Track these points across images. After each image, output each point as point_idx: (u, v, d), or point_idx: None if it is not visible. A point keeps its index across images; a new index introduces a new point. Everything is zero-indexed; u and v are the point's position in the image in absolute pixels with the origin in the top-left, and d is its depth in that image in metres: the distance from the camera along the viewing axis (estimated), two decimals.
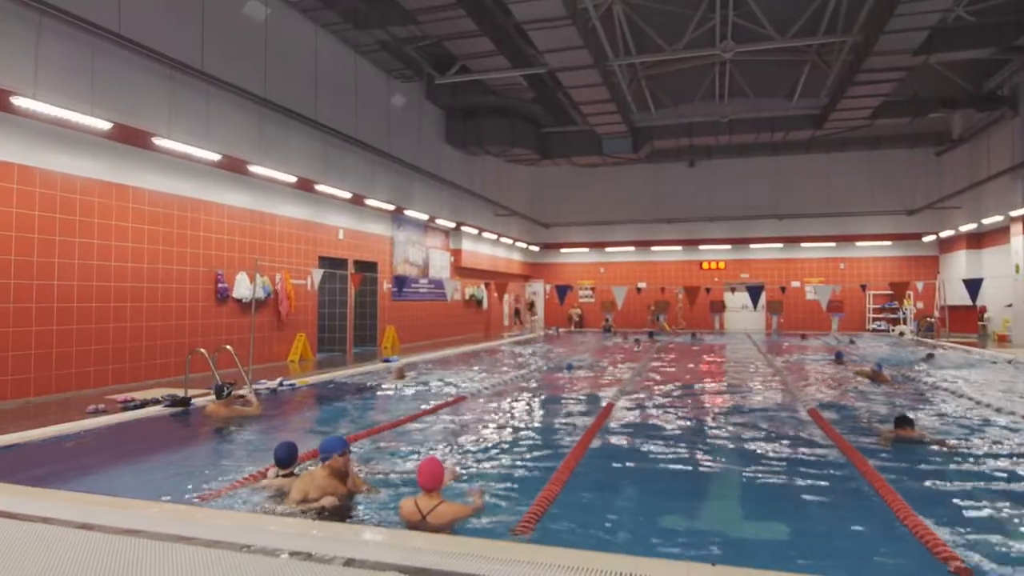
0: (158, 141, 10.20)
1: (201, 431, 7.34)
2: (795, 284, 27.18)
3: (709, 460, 6.21)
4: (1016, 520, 4.36)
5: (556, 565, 3.09)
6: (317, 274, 13.01)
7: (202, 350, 9.07)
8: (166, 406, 8.18)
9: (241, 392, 8.46)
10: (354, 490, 4.67)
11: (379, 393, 10.08)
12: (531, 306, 29.55)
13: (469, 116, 20.84)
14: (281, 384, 10.20)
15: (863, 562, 3.76)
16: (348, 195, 15.32)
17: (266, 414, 8.17)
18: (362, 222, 17.10)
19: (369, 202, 16.38)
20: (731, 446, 6.73)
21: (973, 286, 15.94)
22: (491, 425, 7.69)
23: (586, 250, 30.59)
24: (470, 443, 6.71)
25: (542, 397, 10.00)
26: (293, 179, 13.30)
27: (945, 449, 6.30)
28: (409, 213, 18.40)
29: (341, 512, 4.34)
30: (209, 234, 11.94)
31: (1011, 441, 6.70)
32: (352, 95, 15.79)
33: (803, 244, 27.80)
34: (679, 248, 29.40)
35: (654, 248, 29.67)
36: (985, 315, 21.47)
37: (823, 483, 5.36)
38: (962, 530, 4.13)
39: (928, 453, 6.20)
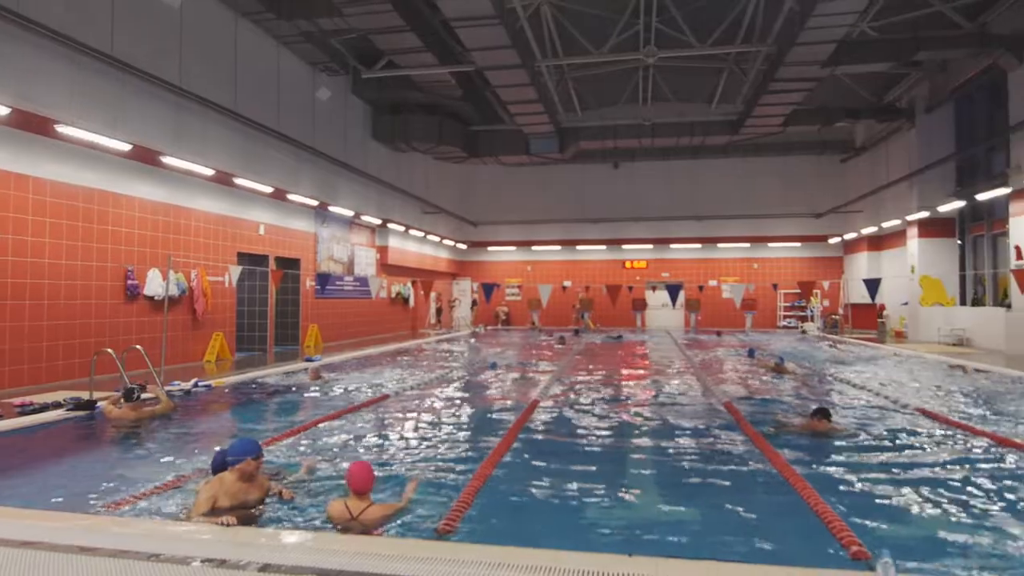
0: (61, 129, 9.61)
1: (107, 436, 6.99)
2: (712, 283, 28.25)
3: (630, 453, 6.42)
4: (911, 505, 4.68)
5: (478, 562, 3.13)
6: (235, 271, 12.59)
7: (109, 350, 8.63)
8: (68, 410, 7.74)
9: (149, 395, 8.10)
10: (271, 494, 4.57)
11: (299, 394, 9.86)
12: (454, 304, 29.34)
13: (396, 112, 20.60)
14: (196, 385, 9.82)
15: (774, 547, 3.96)
16: (270, 189, 14.88)
17: (178, 416, 7.86)
18: (284, 218, 16.65)
19: (292, 197, 15.96)
20: (651, 439, 6.97)
21: (872, 285, 17.02)
22: (415, 424, 7.66)
23: (513, 248, 30.81)
24: (394, 442, 6.67)
25: (466, 395, 10.03)
26: (211, 172, 12.82)
27: (852, 439, 6.67)
28: (334, 209, 18.04)
29: (254, 519, 4.24)
30: (119, 228, 11.35)
31: (905, 430, 7.20)
32: (275, 87, 15.34)
33: (720, 244, 28.96)
34: (603, 247, 30.02)
35: (579, 247, 30.19)
36: (884, 312, 22.93)
37: (737, 472, 5.62)
38: (863, 515, 4.39)
39: (836, 443, 6.58)
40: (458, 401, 9.43)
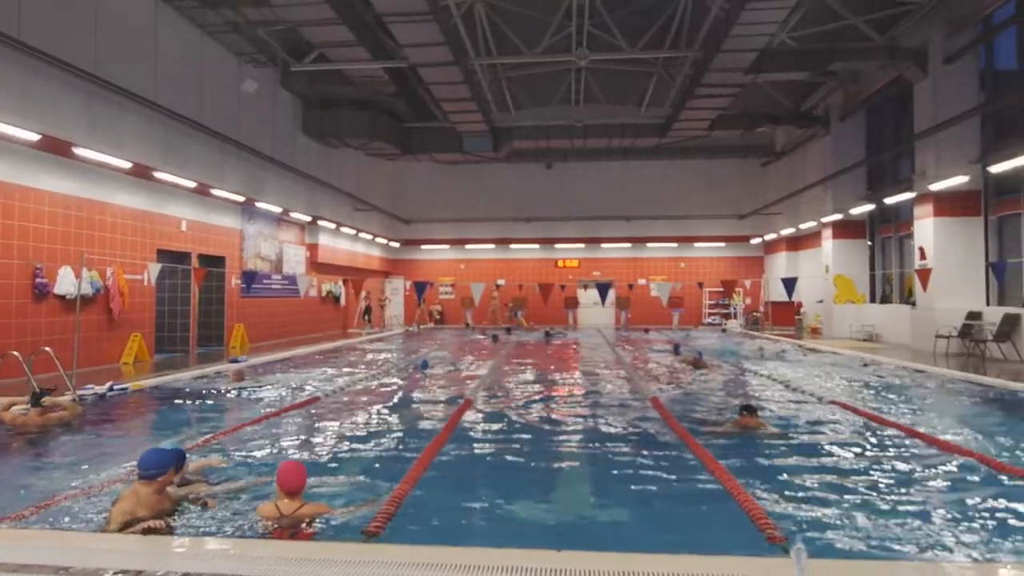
0: None
1: (11, 443, 6.58)
2: (641, 282, 28.92)
3: (561, 449, 6.52)
4: (824, 492, 4.92)
5: (404, 563, 3.12)
6: (155, 269, 12.07)
7: (15, 352, 8.13)
8: None
9: (55, 399, 7.68)
10: (194, 501, 4.42)
11: (223, 397, 9.54)
12: (385, 303, 28.85)
13: (327, 107, 20.18)
14: (111, 389, 9.36)
15: (699, 535, 4.12)
16: (192, 184, 14.31)
17: (90, 422, 7.48)
18: (208, 213, 16.05)
19: (216, 192, 15.41)
20: (581, 434, 7.10)
21: (789, 284, 17.85)
22: (346, 425, 7.55)
23: (447, 247, 30.69)
24: (324, 444, 6.56)
25: (398, 395, 9.94)
26: (128, 164, 12.22)
27: (776, 433, 6.92)
28: (261, 205, 17.52)
29: (171, 528, 4.07)
30: (26, 223, 10.69)
31: (820, 421, 7.57)
32: (198, 77, 14.75)
33: (649, 244, 29.70)
34: (537, 246, 30.29)
35: (513, 246, 30.35)
36: (801, 310, 24.02)
37: (663, 465, 5.79)
38: (782, 502, 4.62)
39: (758, 435, 6.85)
40: (390, 401, 9.33)
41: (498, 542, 3.67)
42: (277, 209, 18.33)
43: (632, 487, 5.20)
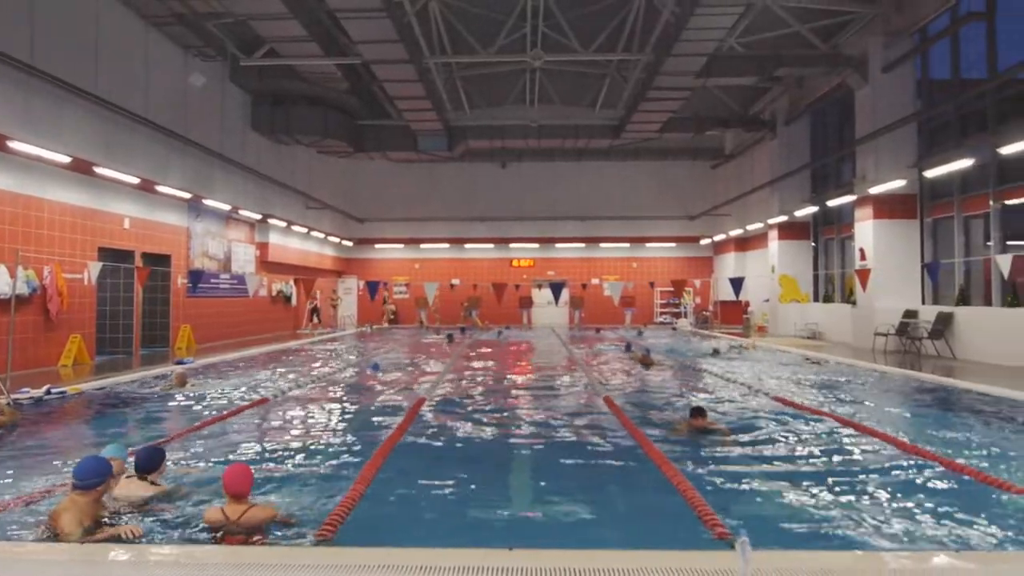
0: None
1: None
2: (595, 281, 29.25)
3: (514, 448, 6.55)
4: (768, 489, 5.07)
5: (356, 565, 3.10)
6: (95, 267, 11.64)
7: None
8: None
9: None
10: (139, 505, 4.30)
11: (167, 400, 9.27)
12: (336, 302, 28.36)
13: (278, 102, 19.78)
14: (48, 392, 9.00)
15: (649, 531, 4.20)
16: (135, 180, 13.85)
17: (27, 427, 7.19)
18: (153, 211, 15.56)
19: (161, 189, 14.94)
20: (534, 433, 7.14)
21: (736, 284, 18.31)
22: (297, 427, 7.44)
23: (401, 246, 30.45)
24: (274, 447, 6.45)
25: (350, 396, 9.84)
26: (67, 159, 11.76)
27: (725, 433, 7.04)
28: (209, 202, 17.07)
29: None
30: None
31: (763, 417, 7.79)
32: (142, 70, 14.28)
33: (602, 244, 30.07)
34: (491, 246, 30.32)
35: (467, 245, 30.32)
36: (749, 309, 24.65)
37: (615, 463, 5.90)
38: (728, 497, 4.75)
39: (709, 435, 6.97)
40: (342, 403, 9.23)
41: (451, 542, 3.68)
42: (225, 207, 17.90)
43: (585, 484, 5.27)
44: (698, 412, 7.08)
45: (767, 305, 23.08)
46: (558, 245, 30.25)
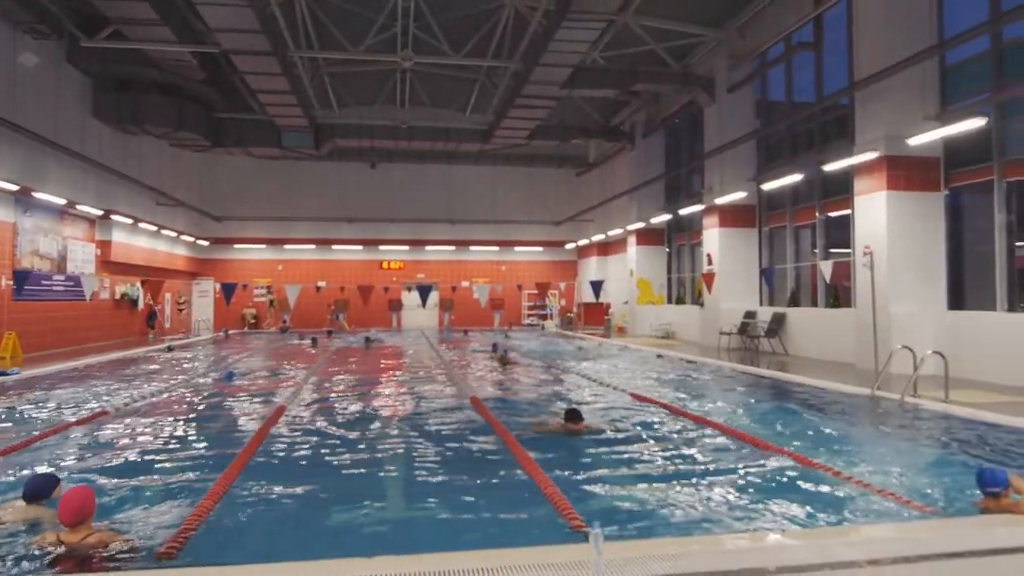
0: None
1: None
2: (465, 284, 29.48)
3: (380, 453, 6.49)
4: (623, 484, 5.40)
5: None
6: None
7: None
8: None
9: None
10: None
11: None
12: (183, 306, 26.26)
13: (125, 89, 18.28)
14: None
15: (512, 529, 4.32)
16: None
17: None
18: None
19: None
20: (401, 437, 7.12)
21: (596, 286, 19.23)
22: (139, 441, 6.91)
23: (263, 246, 29.08)
24: (114, 463, 5.98)
25: (203, 407, 9.26)
26: None
27: (592, 429, 7.21)
28: (40, 196, 15.41)
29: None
30: None
31: (620, 412, 8.26)
32: None
33: (472, 247, 30.38)
34: (360, 247, 29.72)
35: (335, 247, 29.52)
36: (609, 311, 25.91)
37: (481, 463, 6.02)
38: (587, 491, 5.00)
39: (581, 435, 7.14)
40: (193, 414, 8.67)
41: (310, 554, 3.61)
42: (60, 201, 16.24)
43: (450, 486, 5.35)
44: (573, 415, 7.10)
45: (626, 307, 24.36)
46: (428, 248, 30.20)
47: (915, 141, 10.97)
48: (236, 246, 28.87)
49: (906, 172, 11.47)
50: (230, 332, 25.36)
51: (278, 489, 5.14)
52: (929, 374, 9.39)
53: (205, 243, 27.78)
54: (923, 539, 3.59)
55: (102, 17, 14.69)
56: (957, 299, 11.62)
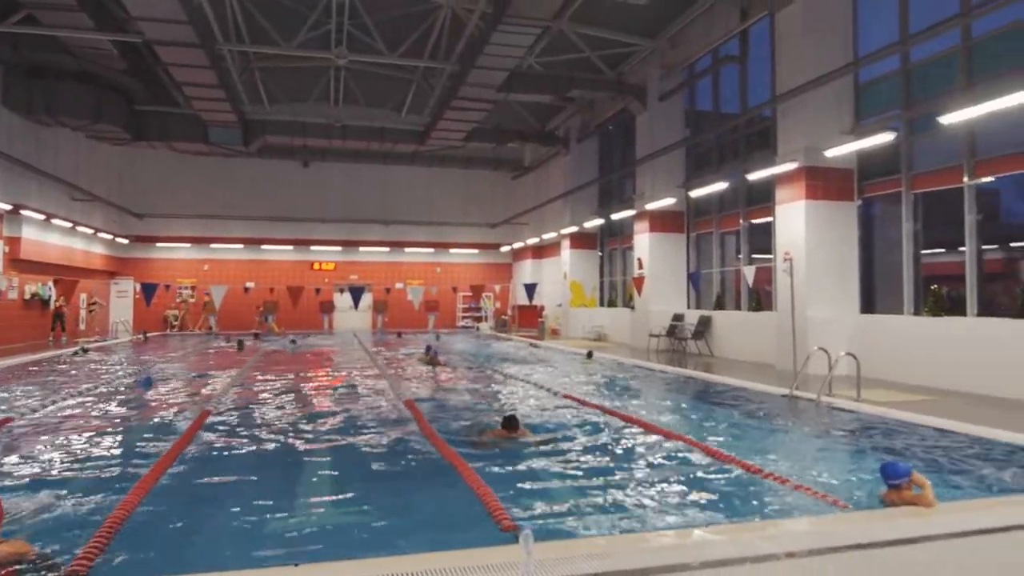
0: None
1: None
2: (399, 286, 29.22)
3: (311, 459, 6.36)
4: (554, 484, 5.48)
5: None
6: None
7: None
8: None
9: None
10: None
11: None
12: (93, 308, 24.60)
13: (37, 76, 17.27)
14: None
15: (445, 532, 4.31)
16: None
17: None
18: None
19: None
20: (332, 441, 7.00)
21: (530, 289, 19.42)
22: (48, 450, 6.55)
23: (188, 246, 27.98)
24: (20, 474, 5.65)
25: (119, 413, 8.82)
26: None
27: (534, 440, 7.26)
28: None
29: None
30: None
31: (554, 414, 8.38)
32: None
33: (407, 249, 30.12)
34: (291, 248, 29.01)
35: (265, 246, 28.71)
36: (544, 313, 26.17)
37: (414, 465, 6.00)
38: (519, 492, 5.05)
39: (517, 440, 7.18)
40: (108, 421, 8.26)
41: (231, 565, 3.51)
42: None
43: (382, 490, 5.32)
44: (510, 422, 6.96)
45: (560, 309, 24.67)
46: (362, 249, 29.75)
47: (832, 153, 11.57)
48: (159, 245, 27.69)
49: (823, 182, 12.08)
50: (150, 334, 24.27)
51: (200, 497, 4.98)
52: (843, 374, 9.91)
53: (125, 241, 26.52)
54: (834, 532, 3.81)
55: (14, 0, 13.87)
56: (868, 303, 12.32)
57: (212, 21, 15.50)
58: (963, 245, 10.33)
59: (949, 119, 9.13)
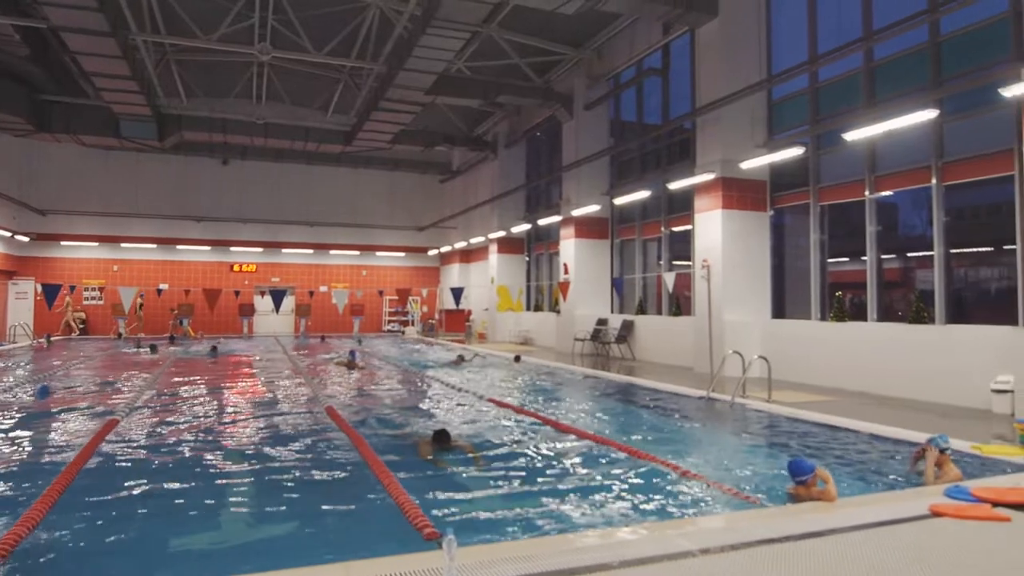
0: None
1: None
2: (323, 289, 28.55)
3: (230, 468, 6.14)
4: (478, 489, 5.52)
5: None
6: None
7: None
8: None
9: None
10: None
11: None
12: None
13: None
14: None
15: (368, 540, 4.27)
16: None
17: None
18: None
19: None
20: (253, 450, 6.79)
21: (457, 293, 19.42)
22: None
23: (95, 244, 26.42)
24: None
25: (13, 424, 8.22)
26: None
27: (468, 451, 6.97)
28: None
29: None
30: None
31: (481, 419, 8.41)
32: None
33: (332, 251, 29.49)
34: (208, 248, 27.88)
35: (180, 247, 27.48)
36: (471, 317, 26.20)
37: (337, 473, 5.90)
38: (443, 500, 5.06)
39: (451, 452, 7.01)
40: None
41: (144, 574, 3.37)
42: None
43: (304, 499, 5.20)
44: (440, 436, 6.71)
45: (487, 313, 24.74)
46: (285, 250, 28.91)
47: (746, 165, 12.13)
48: (63, 243, 26.03)
49: (738, 193, 12.64)
50: (53, 338, 22.80)
51: (106, 513, 4.71)
52: (756, 376, 10.38)
53: (25, 239, 24.82)
54: (747, 527, 3.99)
55: None
56: (779, 309, 12.96)
57: (125, 8, 14.72)
58: (865, 255, 11.03)
59: (852, 136, 9.76)
